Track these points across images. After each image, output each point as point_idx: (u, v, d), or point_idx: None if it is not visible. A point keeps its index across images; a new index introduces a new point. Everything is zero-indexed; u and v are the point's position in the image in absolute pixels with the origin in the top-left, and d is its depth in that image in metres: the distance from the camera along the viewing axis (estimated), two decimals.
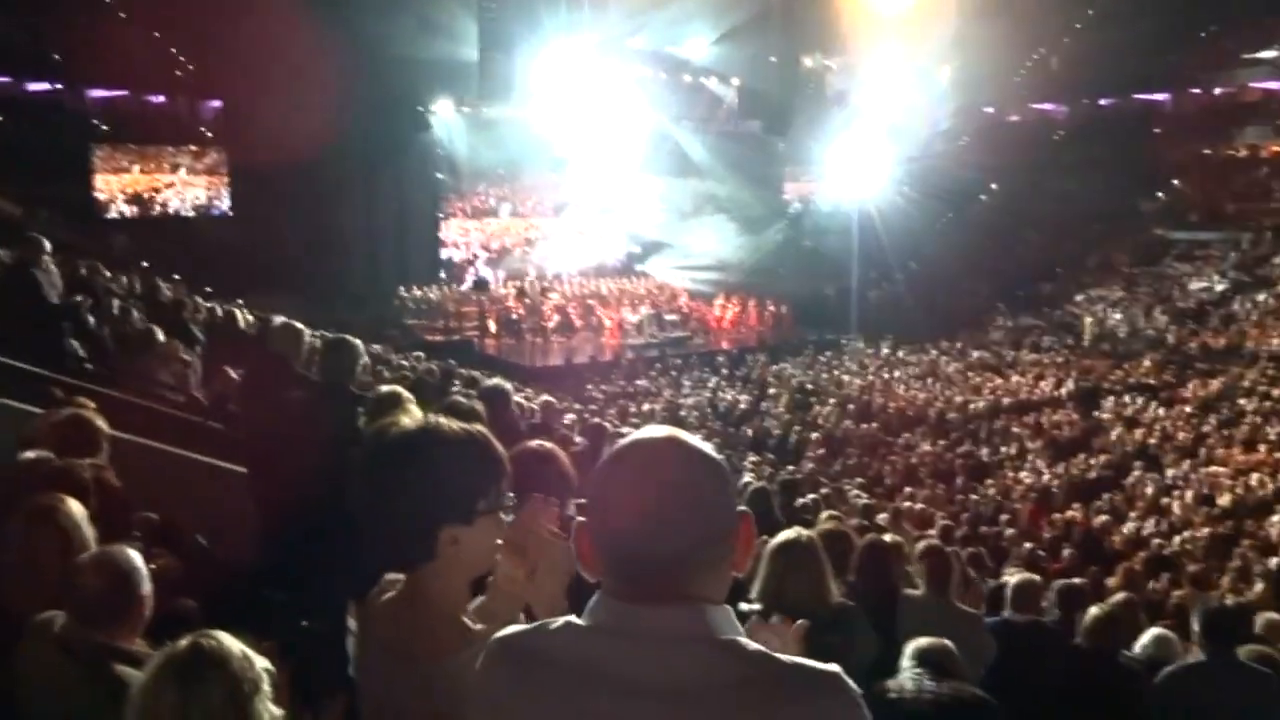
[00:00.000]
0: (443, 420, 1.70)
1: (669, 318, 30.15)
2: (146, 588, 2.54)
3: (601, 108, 30.48)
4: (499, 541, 1.68)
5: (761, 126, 30.40)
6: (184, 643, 1.86)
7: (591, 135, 30.74)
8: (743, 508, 1.33)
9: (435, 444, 1.64)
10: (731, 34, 28.87)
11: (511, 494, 1.74)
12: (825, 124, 33.37)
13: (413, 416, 1.74)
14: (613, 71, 29.69)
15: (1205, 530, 11.91)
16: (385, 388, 3.58)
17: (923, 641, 3.18)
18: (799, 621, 1.83)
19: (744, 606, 3.17)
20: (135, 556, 2.56)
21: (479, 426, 1.72)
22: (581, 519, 1.31)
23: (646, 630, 1.22)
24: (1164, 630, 5.31)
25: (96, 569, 2.46)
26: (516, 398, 10.01)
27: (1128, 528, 12.17)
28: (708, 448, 1.31)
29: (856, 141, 32.41)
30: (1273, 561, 10.81)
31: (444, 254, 32.44)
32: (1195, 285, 27.28)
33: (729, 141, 33.61)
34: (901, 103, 34.51)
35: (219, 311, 10.41)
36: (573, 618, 1.30)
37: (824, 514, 7.24)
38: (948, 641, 3.22)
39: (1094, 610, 4.71)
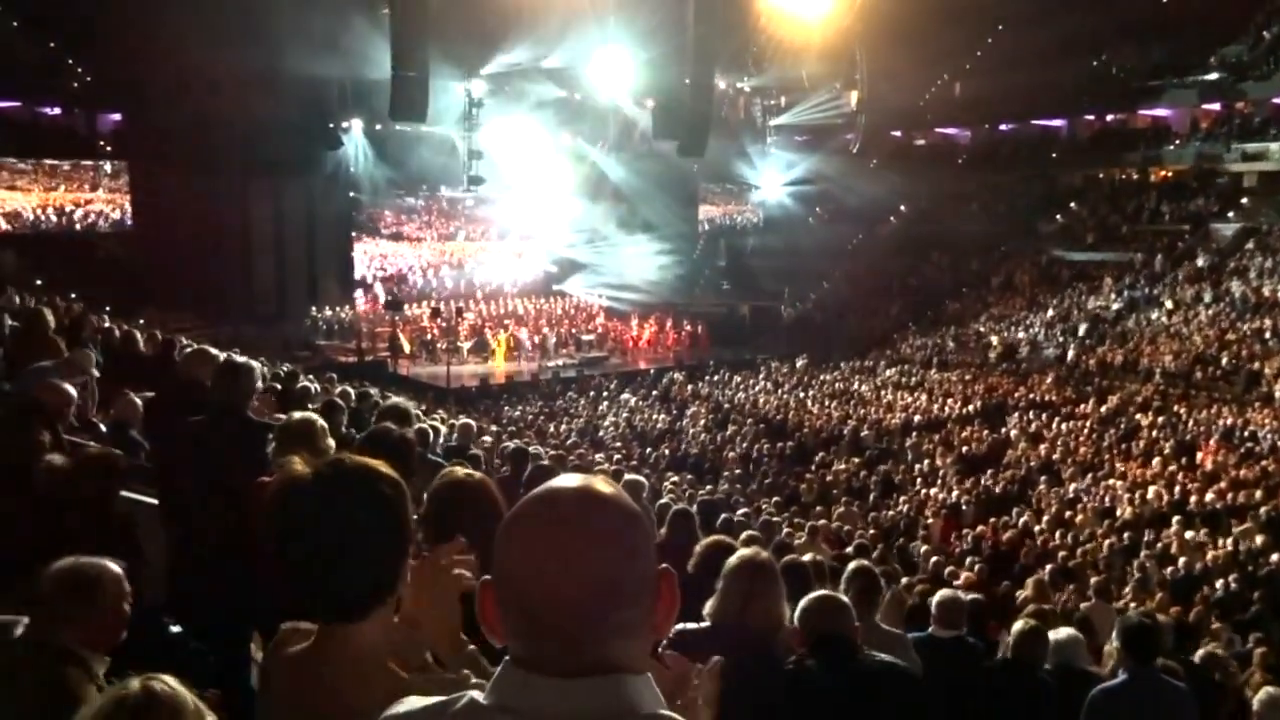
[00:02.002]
0: (370, 461, 1.58)
1: (586, 338, 30.08)
2: (114, 600, 2.53)
3: (516, 128, 30.37)
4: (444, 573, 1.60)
5: (676, 148, 30.61)
6: (134, 684, 1.70)
7: (507, 155, 30.59)
8: (664, 565, 1.19)
9: (380, 485, 1.53)
10: (645, 55, 29.08)
11: (429, 527, 1.64)
12: (738, 146, 33.82)
13: (324, 450, 1.61)
14: (528, 91, 29.63)
15: (1106, 542, 12.27)
16: (298, 415, 3.40)
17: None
18: (714, 659, 1.76)
19: (690, 626, 3.11)
20: (112, 568, 2.55)
21: (383, 466, 1.60)
22: (486, 577, 1.17)
23: (556, 711, 1.09)
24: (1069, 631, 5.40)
25: (62, 575, 2.49)
26: (433, 420, 9.81)
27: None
28: (626, 499, 1.17)
29: (769, 163, 32.91)
30: (1168, 570, 11.24)
31: (359, 273, 31.96)
32: (1092, 304, 28.25)
33: (644, 162, 33.83)
34: (813, 125, 35.20)
35: (117, 332, 9.95)
36: (475, 694, 1.16)
37: (743, 535, 7.23)
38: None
39: (1018, 625, 4.77)
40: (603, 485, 1.18)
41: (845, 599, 3.33)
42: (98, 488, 3.53)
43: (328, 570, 1.49)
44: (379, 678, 1.51)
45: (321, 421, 3.26)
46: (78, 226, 28.58)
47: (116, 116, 28.74)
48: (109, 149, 28.97)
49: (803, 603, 3.22)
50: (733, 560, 3.28)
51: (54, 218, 28.41)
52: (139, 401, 6.04)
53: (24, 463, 3.62)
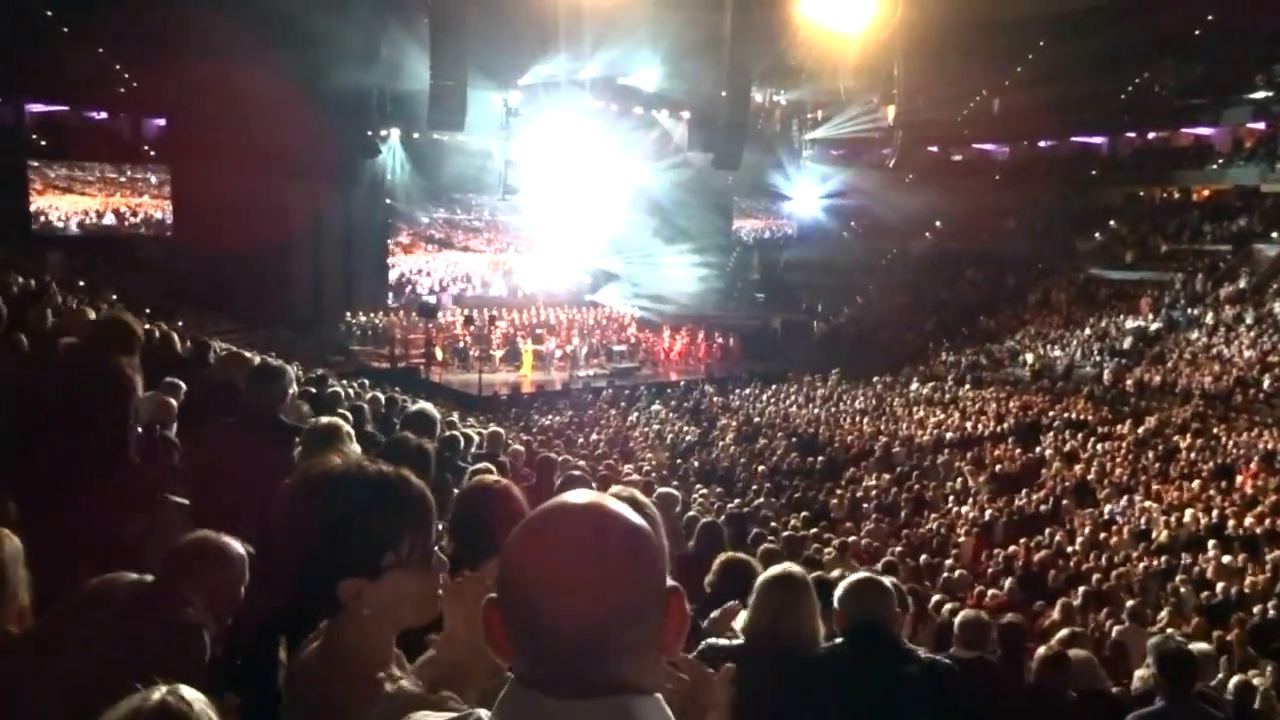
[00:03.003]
0: (360, 462, 1.57)
1: (618, 348, 30.12)
2: (238, 575, 2.53)
3: (554, 138, 30.54)
4: (433, 594, 1.57)
5: (712, 160, 30.64)
6: (155, 695, 1.71)
7: (542, 165, 30.76)
8: (673, 584, 1.17)
9: (338, 490, 1.51)
10: (682, 67, 29.15)
11: (459, 536, 1.63)
12: (774, 159, 33.78)
13: (344, 454, 1.59)
14: (565, 102, 29.79)
15: (1141, 565, 12.08)
16: (324, 419, 3.42)
17: None
18: (726, 666, 1.74)
19: (721, 642, 3.10)
20: (239, 546, 2.56)
21: (398, 469, 1.57)
22: (491, 594, 1.15)
23: None
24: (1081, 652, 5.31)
25: (194, 541, 2.53)
26: (463, 428, 9.85)
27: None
28: (636, 517, 1.15)
29: (804, 177, 32.84)
30: (1204, 595, 11.03)
31: (394, 278, 32.24)
32: (1130, 324, 27.90)
33: (679, 174, 33.86)
34: (849, 139, 35.09)
35: (156, 333, 10.08)
36: (483, 712, 1.15)
37: (760, 549, 7.19)
38: None
39: (1042, 650, 4.70)
40: (612, 502, 1.17)
41: (887, 583, 3.27)
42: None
43: (287, 559, 1.50)
44: (357, 685, 1.50)
45: (347, 426, 3.28)
46: (122, 230, 29.07)
47: (161, 122, 29.23)
48: (153, 154, 29.44)
49: (842, 585, 3.19)
50: (765, 575, 3.26)
51: (99, 220, 28.91)
52: (173, 402, 6.12)
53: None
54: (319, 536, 1.48)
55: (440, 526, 1.60)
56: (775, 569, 3.32)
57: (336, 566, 1.48)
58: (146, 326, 11.64)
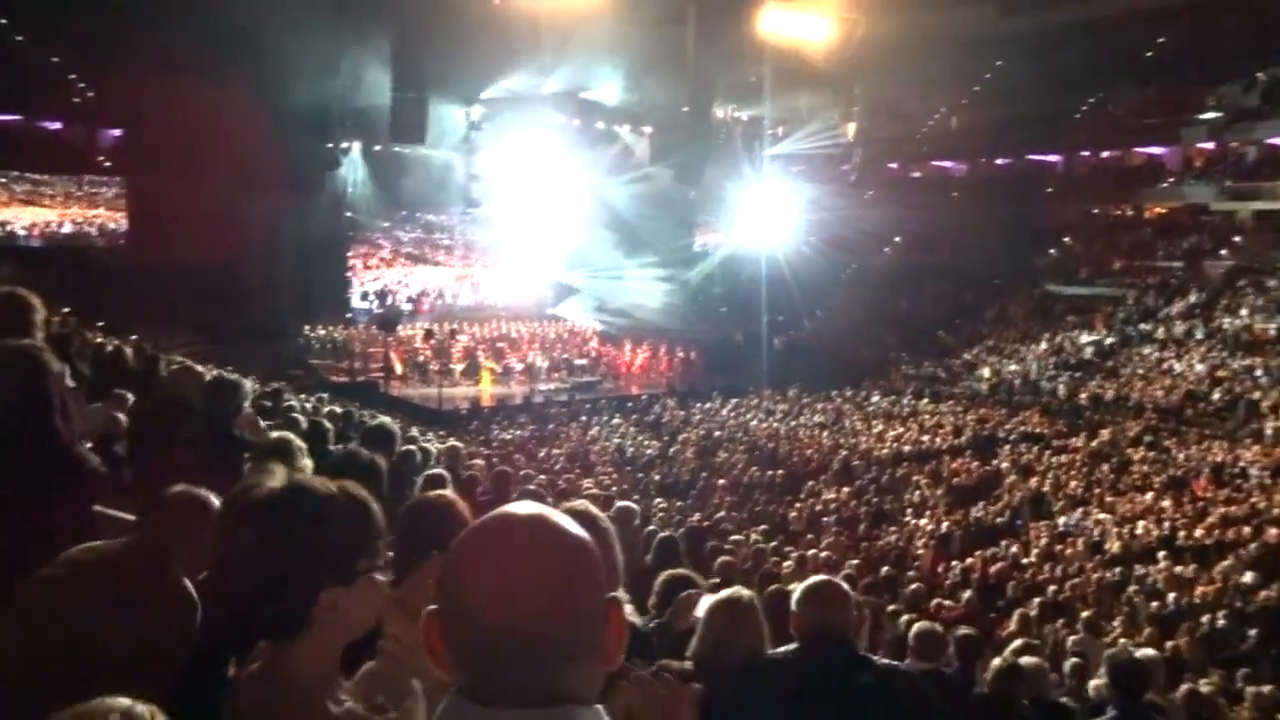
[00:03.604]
0: (311, 478, 1.57)
1: (579, 362, 30.09)
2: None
3: (517, 152, 30.54)
4: (381, 604, 1.57)
5: (674, 174, 30.79)
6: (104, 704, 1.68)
7: (505, 179, 30.72)
8: (614, 594, 1.19)
9: (308, 502, 1.50)
10: (643, 82, 29.30)
11: (402, 549, 1.62)
12: (736, 174, 34.01)
13: (287, 471, 1.58)
14: (527, 116, 29.80)
15: (1096, 576, 12.24)
16: (275, 434, 3.39)
17: None
18: (693, 686, 1.75)
19: (674, 665, 3.08)
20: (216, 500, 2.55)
21: (349, 483, 1.58)
22: (431, 607, 1.15)
23: None
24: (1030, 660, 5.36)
25: (182, 495, 2.52)
26: (422, 442, 9.79)
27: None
28: (577, 528, 1.16)
29: (766, 192, 33.08)
30: (1155, 605, 11.21)
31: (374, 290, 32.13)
32: (1085, 339, 28.35)
33: (641, 188, 33.98)
34: (810, 155, 35.40)
35: (108, 347, 9.92)
36: None
37: (717, 563, 7.19)
38: None
39: (996, 660, 4.75)
40: (554, 513, 1.18)
41: (846, 587, 3.24)
42: None
43: (247, 583, 1.47)
44: (304, 711, 1.49)
45: (298, 441, 3.26)
46: (77, 241, 28.61)
47: (117, 132, 28.84)
48: (108, 164, 29.03)
49: (800, 589, 3.16)
50: (713, 600, 3.26)
51: (53, 231, 28.45)
52: (122, 417, 6.03)
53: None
54: (298, 548, 1.47)
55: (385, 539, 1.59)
56: (722, 593, 3.32)
57: (317, 576, 1.47)
58: (99, 340, 11.46)
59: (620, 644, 1.19)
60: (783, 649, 3.05)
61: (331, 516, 1.50)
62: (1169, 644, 9.74)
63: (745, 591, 3.38)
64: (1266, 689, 8.29)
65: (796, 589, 3.19)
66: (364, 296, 32.71)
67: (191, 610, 1.99)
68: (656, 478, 18.16)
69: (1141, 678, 4.36)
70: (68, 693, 1.21)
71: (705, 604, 3.28)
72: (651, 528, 8.03)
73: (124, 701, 1.50)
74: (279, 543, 1.47)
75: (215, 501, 2.49)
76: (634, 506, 7.83)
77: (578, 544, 1.15)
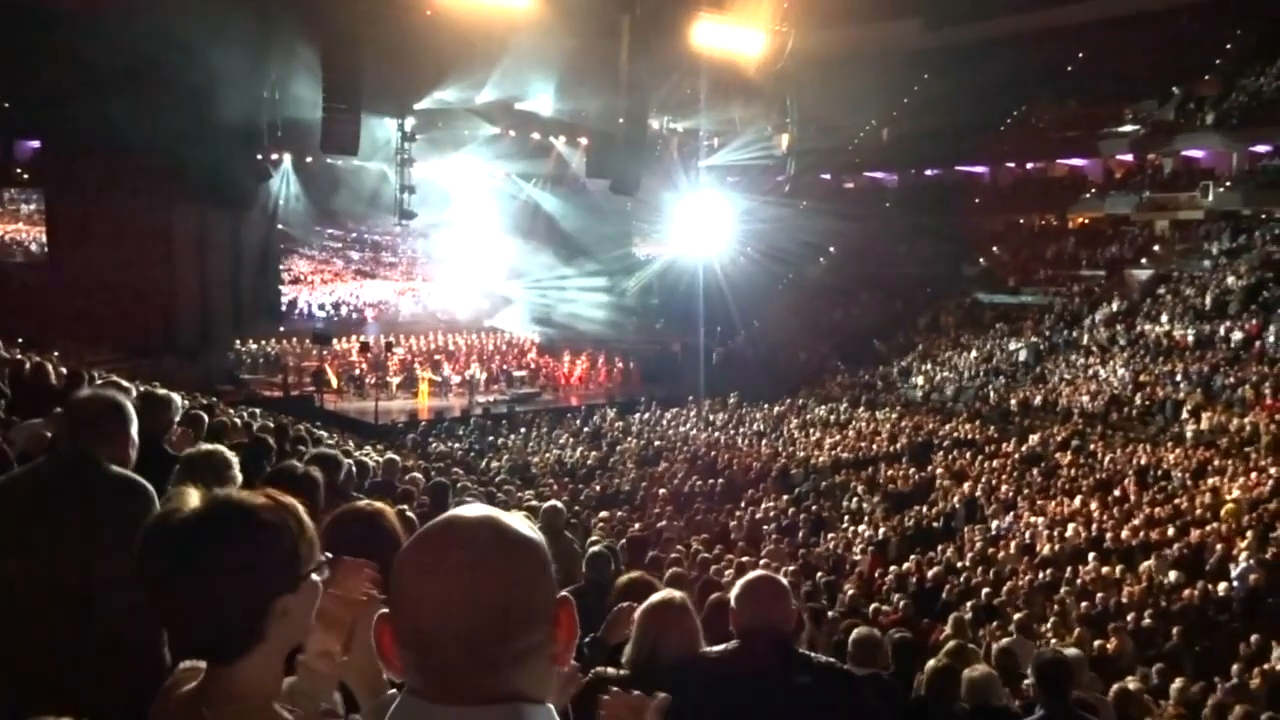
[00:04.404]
0: (234, 491, 1.53)
1: (518, 374, 29.92)
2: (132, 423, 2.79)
3: (449, 164, 30.30)
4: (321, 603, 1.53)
5: (610, 185, 30.82)
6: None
7: (440, 191, 30.46)
8: (564, 593, 1.21)
9: (246, 515, 1.45)
10: (578, 93, 29.29)
11: (325, 556, 1.58)
12: (671, 185, 34.17)
13: (205, 489, 1.53)
14: (461, 127, 29.60)
15: (1028, 578, 12.50)
16: (205, 446, 3.29)
17: None
18: (660, 695, 1.74)
19: (610, 672, 3.06)
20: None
21: (273, 490, 1.54)
22: (383, 610, 1.19)
23: None
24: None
25: (96, 398, 2.81)
26: (358, 455, 9.63)
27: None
28: (526, 528, 1.20)
29: (702, 202, 33.29)
30: (1084, 606, 11.49)
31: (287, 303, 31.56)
32: (1013, 345, 28.99)
33: (578, 199, 33.98)
34: (744, 166, 35.72)
35: (27, 365, 9.60)
36: None
37: (669, 572, 7.20)
38: None
39: (931, 663, 4.82)
40: (503, 515, 1.21)
41: (784, 582, 3.23)
42: None
43: (194, 607, 1.43)
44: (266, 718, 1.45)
45: (228, 455, 3.18)
46: None
47: (35, 143, 27.97)
48: (25, 176, 28.14)
49: (738, 585, 3.13)
50: (645, 603, 3.25)
51: None
52: (47, 434, 5.84)
53: None
54: (249, 560, 1.42)
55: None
56: (654, 596, 3.31)
57: (270, 586, 1.44)
58: (18, 357, 11.08)
59: (571, 644, 1.21)
60: (720, 647, 3.03)
61: (271, 524, 1.46)
62: (1097, 643, 10.02)
63: (677, 593, 3.37)
64: (1190, 684, 8.56)
65: (735, 586, 3.18)
66: (320, 308, 32.35)
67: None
68: (597, 488, 18.12)
69: (1066, 676, 4.44)
70: None
71: (638, 611, 3.26)
72: (592, 539, 8.00)
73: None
74: (214, 564, 1.42)
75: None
76: (559, 505, 7.80)
77: (527, 543, 1.18)
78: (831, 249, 38.05)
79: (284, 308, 31.41)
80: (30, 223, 28.36)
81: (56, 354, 15.11)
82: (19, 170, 28.28)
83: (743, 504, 17.26)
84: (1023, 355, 28.10)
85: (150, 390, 5.27)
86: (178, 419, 4.80)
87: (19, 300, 24.41)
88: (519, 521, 1.20)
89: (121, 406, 2.84)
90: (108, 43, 20.04)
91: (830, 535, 15.87)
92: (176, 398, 4.71)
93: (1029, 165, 38.51)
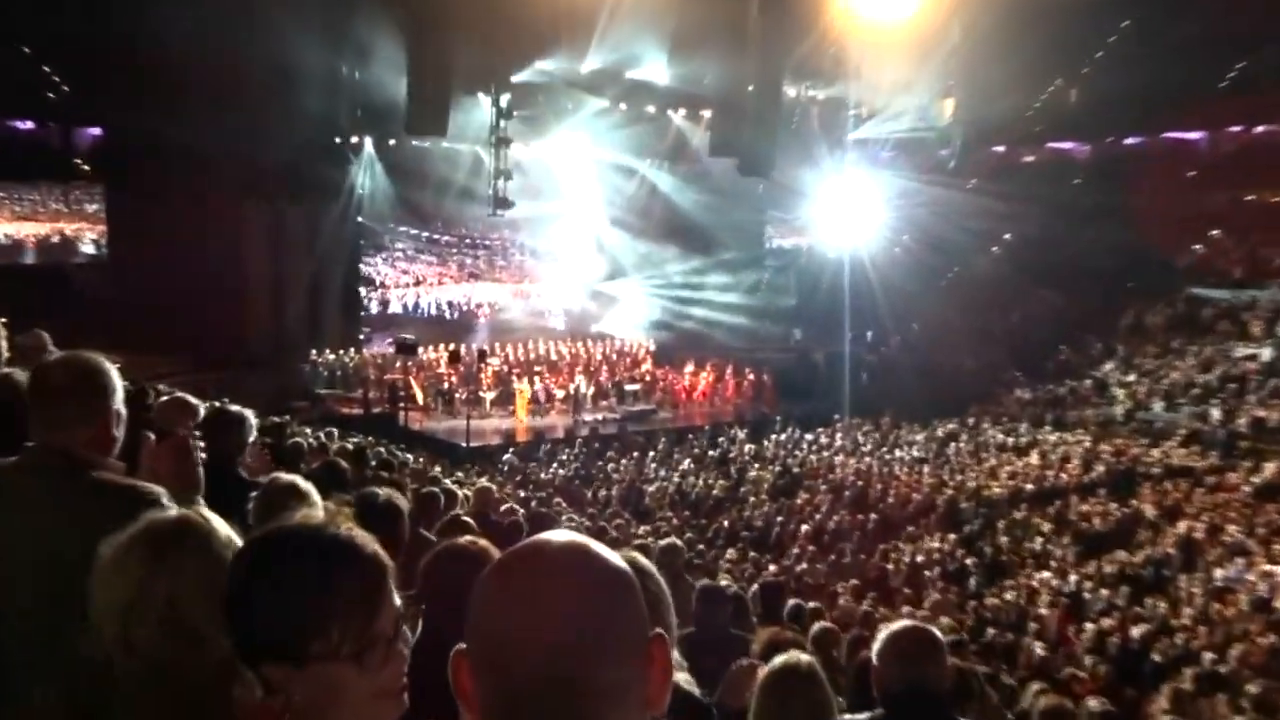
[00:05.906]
0: (297, 524, 1.54)
1: (630, 388, 30.15)
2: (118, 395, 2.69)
3: (552, 144, 30.81)
4: (391, 692, 1.52)
5: (738, 166, 30.82)
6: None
7: (540, 175, 31.00)
8: (658, 630, 1.26)
9: (262, 556, 1.51)
10: (700, 59, 29.35)
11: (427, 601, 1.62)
12: (812, 164, 33.98)
13: (298, 512, 1.59)
14: (565, 102, 30.06)
15: (1265, 641, 11.95)
16: (284, 477, 3.42)
17: None
18: None
19: None
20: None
21: (350, 532, 1.54)
22: (460, 646, 1.24)
23: None
24: None
25: (69, 364, 2.64)
26: (446, 482, 9.86)
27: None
28: (616, 558, 1.26)
29: (848, 184, 33.00)
30: None
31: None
32: (1240, 351, 27.90)
33: (700, 183, 34.06)
34: (899, 140, 35.26)
35: None
36: None
37: (814, 627, 7.15)
38: None
39: None
40: (591, 542, 1.28)
41: (937, 633, 3.19)
42: None
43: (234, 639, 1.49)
44: None
45: (305, 485, 3.27)
46: (49, 257, 29.37)
47: (96, 132, 29.55)
48: (86, 168, 29.74)
49: (882, 636, 3.11)
50: (768, 669, 3.22)
51: (29, 246, 29.26)
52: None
53: None
54: (234, 608, 1.48)
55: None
56: (776, 660, 3.27)
57: (255, 647, 1.45)
58: None
59: (665, 685, 1.26)
60: (861, 716, 3.00)
61: (288, 576, 1.48)
62: None
63: (804, 657, 3.34)
64: None
65: (878, 637, 3.14)
66: (416, 309, 34.02)
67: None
68: (725, 523, 18.17)
69: None
70: None
71: (760, 677, 3.25)
72: (724, 582, 7.98)
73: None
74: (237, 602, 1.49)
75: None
76: (679, 543, 7.85)
77: (618, 574, 1.25)
78: (1006, 236, 37.23)
79: (366, 311, 32.46)
80: (91, 221, 30.00)
81: (118, 364, 15.91)
82: (78, 160, 29.87)
83: (900, 544, 17.09)
84: (1266, 356, 26.89)
85: (222, 407, 5.48)
86: (252, 439, 4.98)
87: (80, 305, 25.84)
88: (609, 550, 1.27)
89: (94, 373, 2.64)
90: (179, 25, 21.08)
91: (1009, 583, 15.54)
92: (250, 415, 4.88)
93: (1257, 129, 36.90)
